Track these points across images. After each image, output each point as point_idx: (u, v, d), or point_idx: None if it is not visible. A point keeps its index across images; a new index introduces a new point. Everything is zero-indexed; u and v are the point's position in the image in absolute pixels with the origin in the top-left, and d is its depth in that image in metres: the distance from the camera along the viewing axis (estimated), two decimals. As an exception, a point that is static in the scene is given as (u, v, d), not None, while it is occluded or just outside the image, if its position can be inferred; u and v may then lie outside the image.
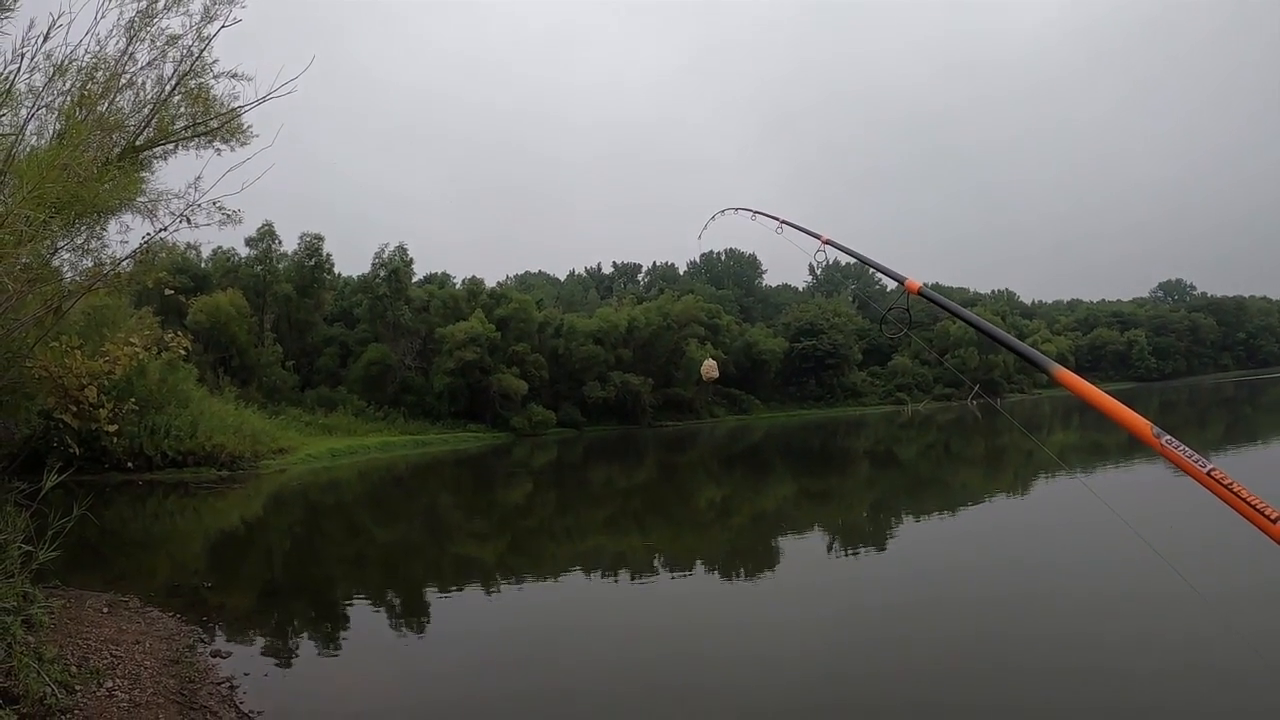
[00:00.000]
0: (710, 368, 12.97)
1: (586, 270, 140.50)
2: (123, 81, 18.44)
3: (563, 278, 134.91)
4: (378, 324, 66.62)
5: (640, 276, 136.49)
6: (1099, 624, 11.92)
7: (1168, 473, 28.72)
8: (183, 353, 34.85)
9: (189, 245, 49.70)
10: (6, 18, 12.64)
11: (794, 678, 10.65)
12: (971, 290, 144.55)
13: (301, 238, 64.62)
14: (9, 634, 8.20)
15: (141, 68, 18.90)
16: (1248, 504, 1.92)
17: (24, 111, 15.23)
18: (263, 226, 62.30)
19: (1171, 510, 10.80)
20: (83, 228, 17.87)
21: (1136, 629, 11.45)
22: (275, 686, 10.37)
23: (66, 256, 18.93)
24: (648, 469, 44.00)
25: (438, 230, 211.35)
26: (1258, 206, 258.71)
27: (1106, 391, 2.97)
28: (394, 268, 66.90)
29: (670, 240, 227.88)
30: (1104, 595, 13.22)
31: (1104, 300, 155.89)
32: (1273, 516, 1.88)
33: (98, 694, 8.43)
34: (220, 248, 64.84)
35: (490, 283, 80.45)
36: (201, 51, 19.29)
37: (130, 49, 18.39)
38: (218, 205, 19.31)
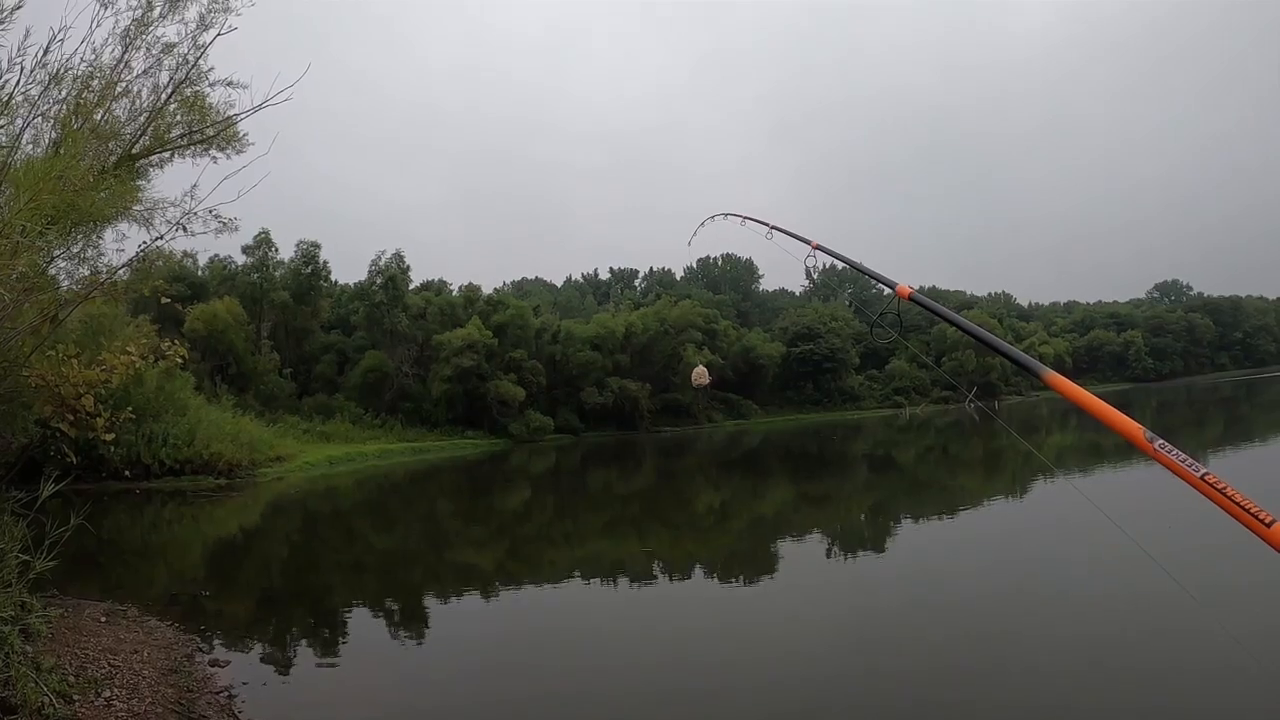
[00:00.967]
0: (700, 374, 12.95)
1: (583, 276, 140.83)
2: (119, 90, 18.47)
3: (560, 284, 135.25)
4: (375, 331, 66.61)
5: (637, 282, 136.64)
6: (1097, 626, 11.92)
7: (1167, 473, 28.76)
8: (179, 361, 34.78)
9: (185, 253, 49.87)
10: (2, 29, 12.62)
11: (795, 681, 10.65)
12: (969, 293, 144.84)
13: (298, 245, 64.65)
14: (6, 643, 8.17)
15: (137, 76, 18.94)
16: (1241, 508, 1.92)
17: (19, 120, 15.25)
18: (259, 234, 62.27)
19: (1169, 512, 10.77)
20: (79, 236, 17.83)
21: (1134, 630, 11.45)
22: (274, 695, 10.36)
23: (63, 265, 18.87)
24: (646, 474, 43.99)
25: (435, 237, 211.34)
26: (1253, 204, 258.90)
27: (1104, 393, 2.98)
28: (391, 275, 66.85)
29: (668, 246, 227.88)
30: (1101, 597, 13.21)
31: (1100, 302, 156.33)
32: (1266, 520, 1.89)
33: (96, 704, 8.41)
34: (217, 256, 65.06)
35: (487, 289, 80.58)
36: (197, 60, 19.33)
37: (126, 57, 18.43)
38: (214, 213, 19.33)
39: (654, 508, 30.88)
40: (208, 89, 20.02)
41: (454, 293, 75.73)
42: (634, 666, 11.74)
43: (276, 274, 63.88)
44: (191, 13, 18.68)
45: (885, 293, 4.95)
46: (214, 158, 20.60)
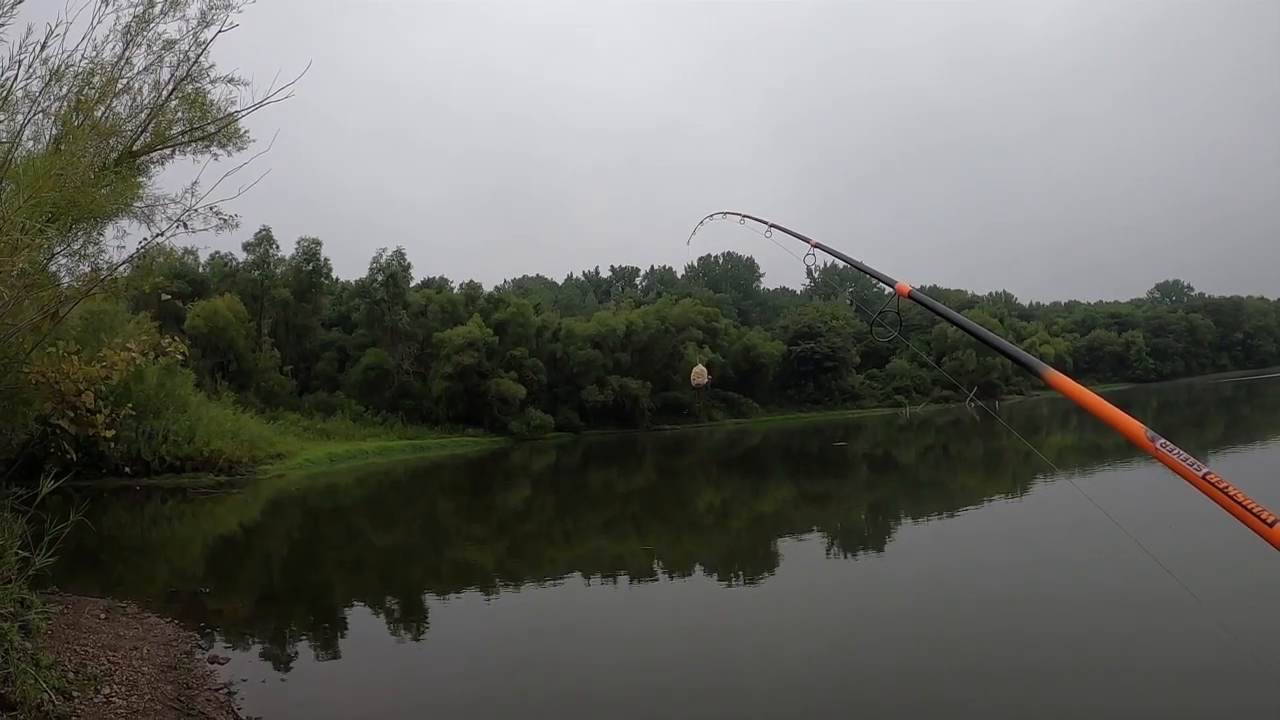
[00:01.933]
0: (699, 373, 12.89)
1: (584, 274, 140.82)
2: (119, 87, 18.43)
3: (561, 282, 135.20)
4: (375, 328, 66.59)
5: (638, 280, 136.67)
6: (1097, 624, 11.91)
7: (1168, 474, 28.75)
8: (180, 358, 34.76)
9: (186, 250, 49.98)
10: (2, 24, 12.62)
11: (796, 680, 10.65)
12: (970, 292, 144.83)
13: (299, 242, 64.67)
14: (6, 640, 8.17)
15: (138, 73, 18.89)
16: (1244, 507, 1.91)
17: (20, 116, 15.25)
18: (260, 231, 62.30)
19: (1170, 512, 10.78)
20: (79, 233, 17.86)
21: (1133, 629, 11.44)
22: (273, 692, 10.35)
23: (63, 262, 18.88)
24: (646, 473, 44.00)
25: (436, 234, 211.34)
26: (1254, 205, 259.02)
27: (1105, 393, 2.97)
28: (392, 272, 66.89)
29: (669, 244, 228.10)
30: (1102, 596, 13.19)
31: (1101, 301, 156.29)
32: (1269, 520, 1.88)
33: (95, 700, 8.41)
34: (218, 253, 64.95)
35: (488, 287, 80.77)
36: (198, 57, 19.27)
37: (127, 54, 18.39)
38: (215, 210, 19.25)
39: (654, 506, 30.89)
40: (209, 86, 19.97)
41: (455, 290, 75.77)
42: (634, 665, 11.73)
43: (277, 271, 63.88)
44: (193, 9, 18.63)
45: (886, 291, 4.91)
46: (215, 154, 20.55)
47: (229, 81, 19.95)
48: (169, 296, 32.57)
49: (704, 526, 25.20)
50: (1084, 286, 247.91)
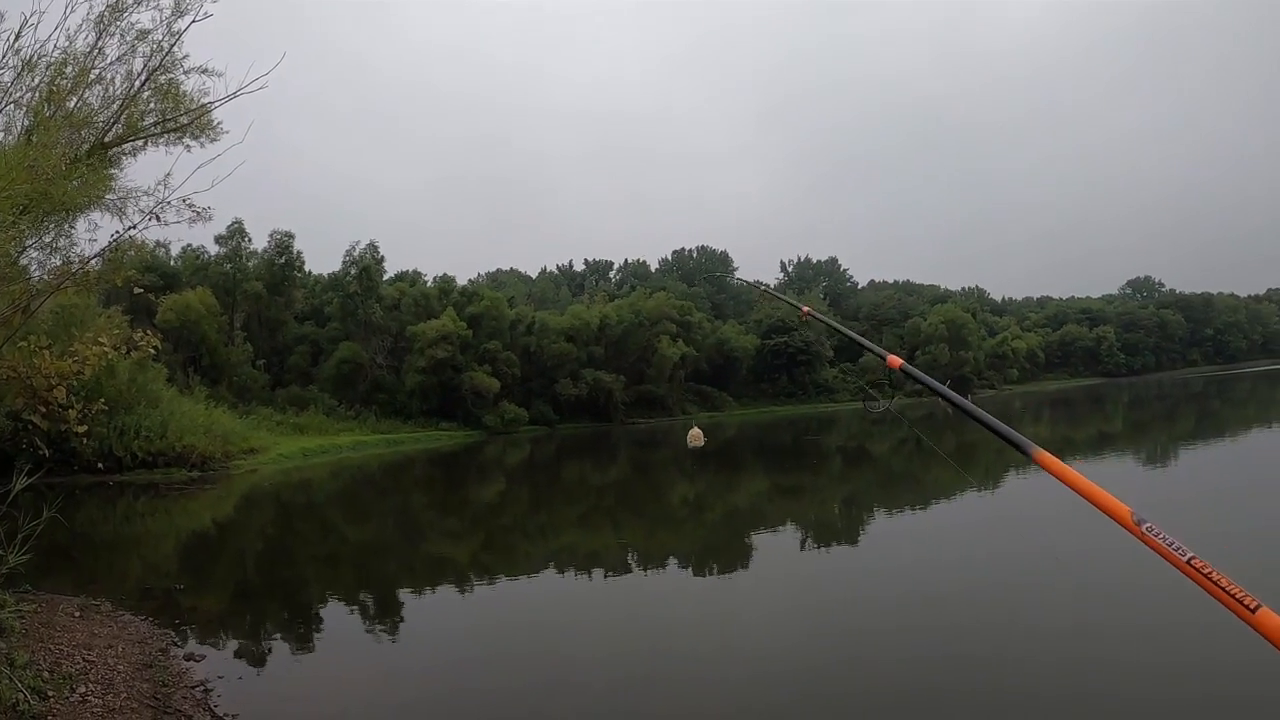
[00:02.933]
0: (695, 436, 12.97)
1: (558, 267, 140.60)
2: (92, 77, 18.33)
3: (534, 275, 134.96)
4: (349, 322, 66.35)
5: (612, 274, 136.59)
6: (1066, 615, 12.04)
7: (1137, 467, 29.06)
8: (152, 352, 34.55)
9: (158, 243, 49.54)
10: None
11: (769, 671, 10.71)
12: (942, 287, 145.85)
13: (272, 235, 64.34)
14: (-20, 639, 8.14)
15: (111, 63, 18.80)
16: (1227, 593, 1.97)
17: (-9, 109, 15.14)
18: (232, 224, 62.01)
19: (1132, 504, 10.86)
20: (51, 225, 17.76)
21: (1102, 618, 11.58)
22: (250, 689, 10.34)
23: (34, 255, 18.80)
24: (621, 466, 44.00)
25: (410, 227, 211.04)
26: (1228, 204, 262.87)
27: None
28: (365, 265, 66.69)
29: (645, 237, 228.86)
30: (1068, 587, 13.34)
31: (1073, 297, 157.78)
32: (1252, 606, 1.92)
33: (71, 700, 8.39)
34: (189, 245, 64.56)
35: (462, 280, 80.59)
36: (172, 47, 19.19)
37: (100, 44, 18.30)
38: (187, 202, 19.15)
39: (628, 500, 30.92)
40: (182, 76, 19.88)
41: (428, 284, 75.66)
42: (609, 658, 11.77)
43: (250, 264, 63.60)
44: (167, -1, 18.52)
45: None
46: (188, 146, 20.44)
47: (202, 72, 19.88)
48: (140, 290, 32.32)
49: (678, 520, 25.25)
50: (1057, 283, 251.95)
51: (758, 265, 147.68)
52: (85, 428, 30.01)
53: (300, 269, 66.84)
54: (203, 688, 10.02)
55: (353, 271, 66.81)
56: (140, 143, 20.46)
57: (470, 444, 58.61)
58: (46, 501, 10.75)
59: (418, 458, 49.88)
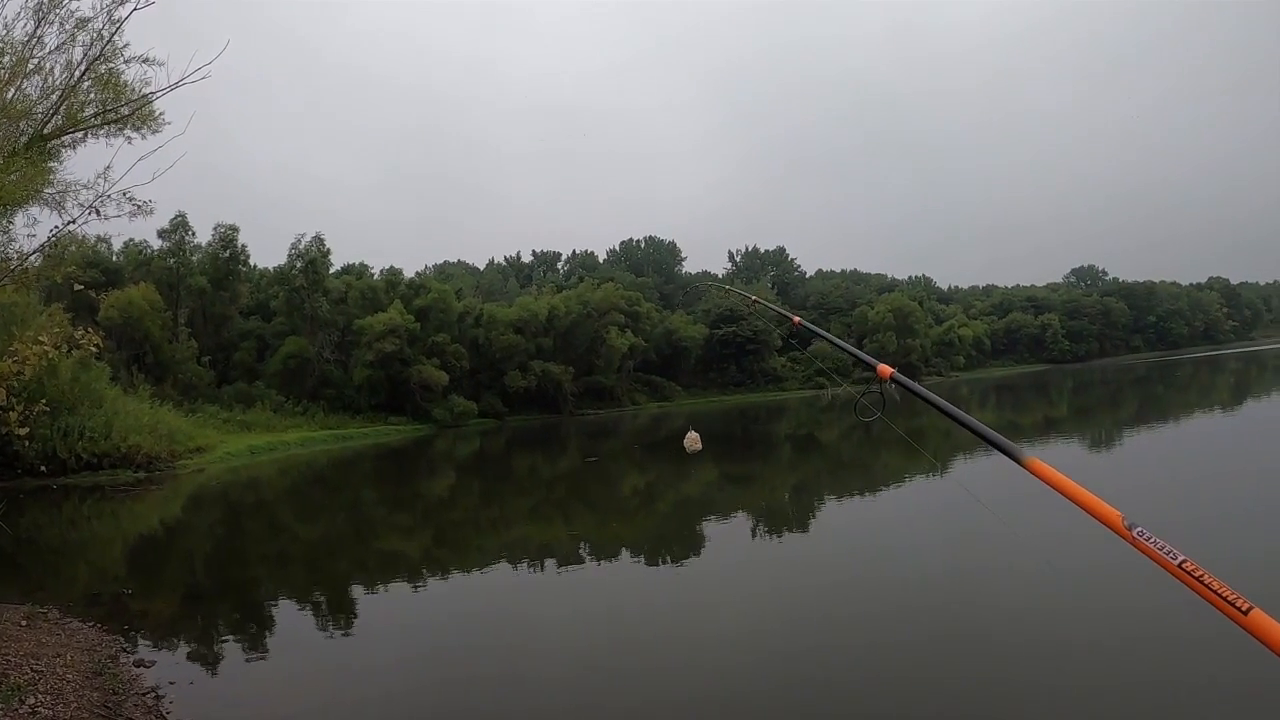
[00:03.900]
0: (693, 440, 13.09)
1: (506, 259, 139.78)
2: (30, 67, 18.01)
3: (482, 267, 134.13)
4: (295, 316, 65.70)
5: (560, 265, 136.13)
6: (1016, 597, 12.32)
7: (1080, 453, 29.57)
8: (94, 350, 33.96)
9: (99, 238, 48.84)
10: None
11: (720, 659, 10.88)
12: (890, 276, 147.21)
13: (216, 228, 63.39)
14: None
15: (50, 52, 18.44)
16: (1219, 595, 1.97)
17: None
18: (175, 218, 60.93)
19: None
20: (-11, 221, 17.48)
21: (1059, 595, 11.85)
22: (202, 693, 10.34)
23: (-29, 252, 18.47)
24: (571, 458, 44.06)
25: (356, 218, 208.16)
26: (1174, 203, 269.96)
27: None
28: (311, 258, 65.92)
29: (593, 229, 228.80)
30: (1018, 568, 13.61)
31: (1019, 285, 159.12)
32: (1244, 608, 1.93)
33: (20, 712, 8.36)
34: (132, 240, 63.50)
35: (409, 272, 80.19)
36: (112, 35, 18.84)
37: (39, 32, 17.97)
38: (128, 196, 18.86)
39: (580, 491, 31.01)
40: (123, 66, 19.48)
41: (375, 276, 75.12)
42: (562, 649, 11.91)
43: (194, 258, 62.62)
44: (108, -15, 18.21)
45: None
46: (129, 138, 20.04)
47: (144, 61, 19.47)
48: (81, 287, 31.79)
49: (629, 510, 25.40)
50: (1005, 274, 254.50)
51: (706, 256, 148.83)
52: (27, 430, 29.44)
53: (245, 263, 66.02)
54: (154, 694, 10.00)
55: (298, 265, 66.05)
56: (80, 135, 20.06)
57: (419, 438, 58.40)
58: (-10, 508, 10.68)
59: (367, 453, 49.65)
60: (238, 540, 23.91)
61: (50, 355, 29.83)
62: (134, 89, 19.75)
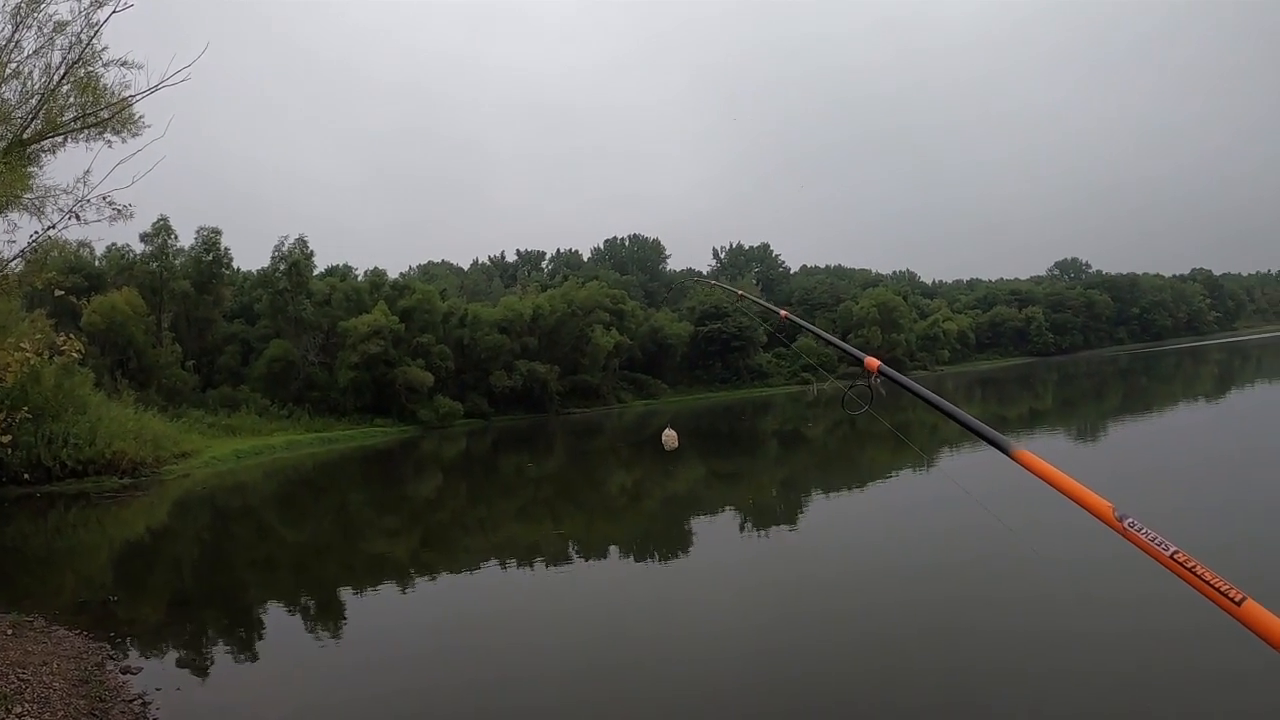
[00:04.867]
0: (670, 439, 13.12)
1: (490, 259, 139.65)
2: (8, 71, 17.92)
3: (466, 267, 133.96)
4: (279, 319, 65.37)
5: (544, 264, 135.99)
6: (1004, 588, 12.38)
7: (1064, 445, 29.69)
8: (77, 356, 33.77)
9: (81, 243, 48.37)
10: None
11: (711, 652, 10.93)
12: (874, 271, 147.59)
13: (198, 232, 62.93)
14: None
15: (28, 56, 18.35)
16: (1211, 586, 1.94)
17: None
18: (157, 221, 60.50)
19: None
20: (-31, 228, 17.39)
21: (1047, 586, 11.91)
22: (189, 699, 10.34)
23: (-49, 259, 18.36)
24: (557, 457, 44.08)
25: (340, 219, 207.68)
26: (1158, 199, 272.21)
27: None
28: (294, 260, 65.60)
29: (582, 226, 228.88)
30: (1002, 561, 13.67)
31: (1002, 279, 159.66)
32: (1237, 599, 1.90)
33: (7, 720, 8.34)
34: (114, 245, 62.85)
35: (393, 274, 79.91)
36: (91, 39, 18.75)
37: (16, 36, 17.89)
38: (108, 200, 18.75)
39: (567, 490, 31.03)
40: (102, 69, 19.40)
41: (359, 278, 74.86)
42: (551, 647, 11.94)
43: (177, 262, 62.19)
44: (86, -11, 18.12)
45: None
46: (109, 141, 19.93)
47: (123, 64, 19.38)
48: (63, 292, 31.63)
49: (617, 509, 25.45)
50: (989, 268, 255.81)
51: (690, 253, 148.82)
52: (10, 437, 29.28)
53: (228, 266, 65.64)
54: (141, 700, 10.00)
55: (282, 267, 65.75)
56: (60, 139, 19.99)
57: (406, 439, 58.27)
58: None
59: (353, 455, 49.52)
60: (225, 545, 23.84)
61: (32, 362, 29.65)
62: (114, 92, 19.65)
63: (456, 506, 29.28)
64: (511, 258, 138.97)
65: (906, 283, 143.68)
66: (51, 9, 18.25)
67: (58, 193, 18.87)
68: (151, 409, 44.88)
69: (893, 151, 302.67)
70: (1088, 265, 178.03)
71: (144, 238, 60.79)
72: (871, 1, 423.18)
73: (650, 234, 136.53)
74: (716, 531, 20.32)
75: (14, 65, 18.04)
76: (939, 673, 9.78)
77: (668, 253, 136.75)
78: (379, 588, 17.26)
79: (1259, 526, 14.65)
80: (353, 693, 10.57)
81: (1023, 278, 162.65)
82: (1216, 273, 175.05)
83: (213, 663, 12.26)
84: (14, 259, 19.43)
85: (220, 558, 22.09)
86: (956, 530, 16.49)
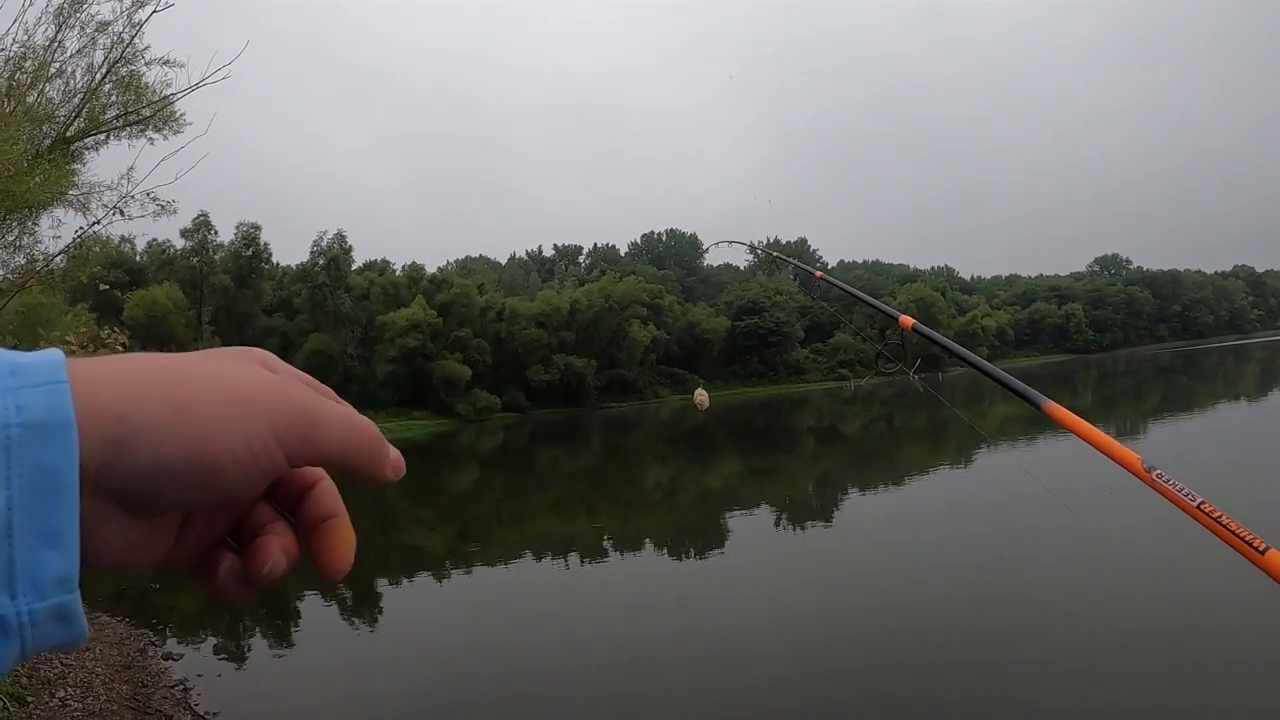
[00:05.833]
0: (701, 399, 13.13)
1: (527, 253, 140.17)
2: (52, 71, 18.09)
3: (504, 261, 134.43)
4: (318, 313, 65.90)
5: (581, 259, 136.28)
6: (1043, 589, 12.21)
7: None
8: (120, 349, 34.21)
9: (123, 239, 48.94)
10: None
11: (746, 652, 10.82)
12: (912, 266, 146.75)
13: (238, 227, 63.86)
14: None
15: (71, 56, 18.49)
16: (1236, 535, 1.96)
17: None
18: (198, 217, 61.39)
19: (1104, 481, 11.01)
20: (14, 224, 17.54)
21: (1073, 590, 11.74)
22: (229, 687, 10.37)
23: (-2, 254, 18.54)
24: (594, 451, 44.08)
25: (379, 215, 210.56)
26: (1198, 187, 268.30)
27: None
28: (333, 255, 66.17)
29: (619, 220, 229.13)
30: (1043, 561, 13.50)
31: (1042, 275, 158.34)
32: (1260, 547, 1.92)
33: (50, 704, 8.39)
34: (155, 240, 63.83)
35: (430, 268, 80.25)
36: (133, 38, 18.89)
37: (60, 37, 18.04)
38: (152, 196, 18.90)
39: (603, 484, 31.02)
40: (143, 68, 19.54)
41: (397, 272, 75.26)
42: (587, 643, 11.85)
43: (217, 257, 62.99)
44: (128, -11, 18.26)
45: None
46: (151, 139, 20.07)
47: (164, 63, 19.53)
48: (106, 286, 31.93)
49: (653, 503, 25.36)
50: (1027, 264, 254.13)
51: (725, 249, 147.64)
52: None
53: (268, 261, 66.39)
54: (182, 687, 10.05)
55: (320, 262, 66.35)
56: (102, 136, 20.13)
57: (443, 433, 58.50)
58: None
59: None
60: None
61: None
62: (155, 91, 19.80)
63: (493, 500, 29.33)
64: (549, 252, 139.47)
65: (944, 278, 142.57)
66: (94, 9, 18.41)
67: (101, 189, 19.02)
68: (191, 402, 45.24)
69: (928, 143, 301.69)
70: (1128, 261, 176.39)
71: (184, 233, 61.66)
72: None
73: (688, 229, 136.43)
74: (752, 528, 20.20)
75: (57, 65, 18.22)
76: (990, 668, 9.65)
77: (705, 247, 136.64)
78: (414, 580, 17.31)
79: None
80: (386, 684, 10.57)
81: (1062, 274, 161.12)
82: (1259, 269, 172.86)
83: (250, 651, 12.34)
84: (58, 255, 19.62)
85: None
86: (1001, 529, 16.39)
